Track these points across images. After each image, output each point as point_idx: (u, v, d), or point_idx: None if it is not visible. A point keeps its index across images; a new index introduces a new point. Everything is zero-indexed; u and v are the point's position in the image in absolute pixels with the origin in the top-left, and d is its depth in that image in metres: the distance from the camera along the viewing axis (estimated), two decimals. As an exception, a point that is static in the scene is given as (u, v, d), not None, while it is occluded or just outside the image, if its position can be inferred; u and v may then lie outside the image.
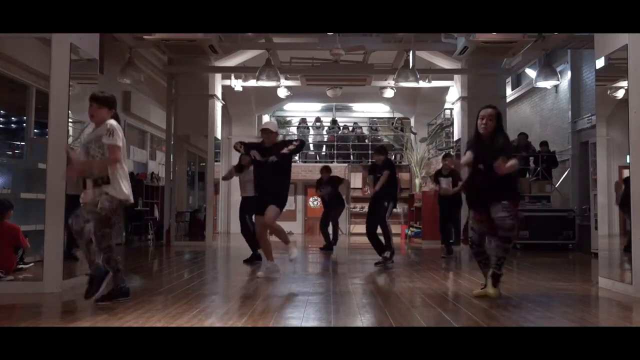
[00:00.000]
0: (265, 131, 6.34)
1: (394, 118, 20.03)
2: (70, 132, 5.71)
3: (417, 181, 16.65)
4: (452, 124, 14.16)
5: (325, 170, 10.76)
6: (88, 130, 4.62)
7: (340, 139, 19.30)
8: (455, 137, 12.97)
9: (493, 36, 9.34)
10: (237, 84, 13.53)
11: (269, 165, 6.15)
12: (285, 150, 6.14)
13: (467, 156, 5.10)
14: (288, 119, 21.19)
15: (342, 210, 11.13)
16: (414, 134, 18.48)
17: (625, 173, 5.98)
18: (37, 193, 6.04)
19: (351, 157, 18.93)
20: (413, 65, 11.37)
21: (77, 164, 4.42)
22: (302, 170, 17.40)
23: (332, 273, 7.26)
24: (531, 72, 13.10)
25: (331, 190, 10.62)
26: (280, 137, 19.55)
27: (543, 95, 13.79)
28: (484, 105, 5.21)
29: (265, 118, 20.15)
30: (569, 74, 12.19)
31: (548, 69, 10.61)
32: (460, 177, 8.43)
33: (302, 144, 6.38)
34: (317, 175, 11.15)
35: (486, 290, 5.01)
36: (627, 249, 6.36)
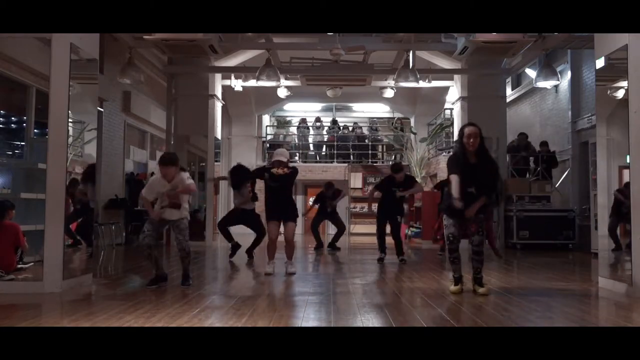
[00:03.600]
0: (275, 163, 6.80)
1: (394, 118, 20.03)
2: (70, 132, 5.70)
3: (417, 181, 16.66)
4: (452, 124, 14.16)
5: (331, 186, 11.01)
6: (158, 177, 5.74)
7: (340, 139, 19.28)
8: (455, 137, 12.95)
9: (493, 36, 9.33)
10: (237, 84, 13.52)
11: (280, 189, 6.81)
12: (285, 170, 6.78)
13: (455, 182, 5.05)
14: (288, 119, 21.19)
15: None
16: (414, 134, 18.48)
17: (625, 174, 5.98)
18: (37, 193, 6.04)
19: (351, 157, 18.92)
20: (413, 65, 11.36)
21: (180, 191, 5.62)
22: (302, 170, 17.32)
23: (332, 273, 7.26)
24: (531, 72, 13.10)
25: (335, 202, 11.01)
26: (281, 137, 19.76)
27: (543, 95, 13.78)
28: (466, 122, 5.52)
29: (265, 118, 20.15)
30: (569, 74, 12.18)
31: (548, 69, 10.61)
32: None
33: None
34: (318, 176, 11.23)
35: (477, 292, 5.28)
36: (615, 249, 6.44)
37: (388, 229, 8.48)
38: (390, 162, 18.90)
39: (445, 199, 5.39)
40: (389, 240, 8.45)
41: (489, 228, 5.36)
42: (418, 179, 16.53)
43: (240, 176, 8.67)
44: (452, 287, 5.42)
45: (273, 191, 6.87)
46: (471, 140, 5.09)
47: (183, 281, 5.78)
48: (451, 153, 5.29)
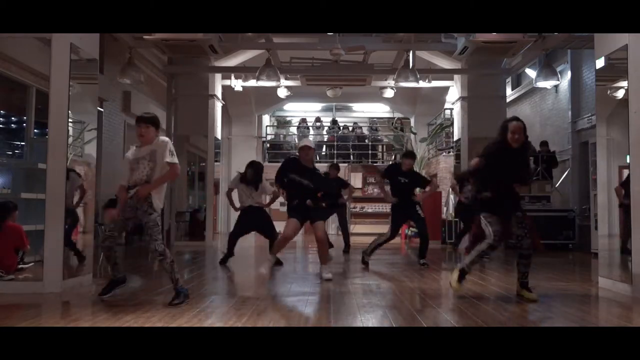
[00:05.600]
0: (304, 149, 6.31)
1: (394, 118, 20.03)
2: (70, 132, 5.70)
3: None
4: (452, 124, 14.16)
5: (335, 167, 10.63)
6: (133, 148, 4.92)
7: (340, 139, 19.28)
8: (455, 137, 12.97)
9: (493, 36, 9.33)
10: (237, 84, 13.52)
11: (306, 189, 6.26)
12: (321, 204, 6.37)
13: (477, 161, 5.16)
14: (288, 119, 21.19)
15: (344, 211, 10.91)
16: (414, 134, 18.47)
17: (625, 174, 5.98)
18: (37, 193, 6.04)
19: (351, 157, 18.92)
20: (413, 65, 11.36)
21: (151, 185, 4.71)
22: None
23: (332, 273, 7.25)
24: (531, 72, 13.09)
25: (340, 187, 10.49)
26: (281, 137, 19.71)
27: (543, 95, 13.78)
28: (509, 118, 5.27)
29: (265, 118, 20.16)
30: (569, 74, 12.18)
31: (548, 69, 10.60)
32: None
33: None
34: None
35: (527, 297, 5.03)
36: (623, 250, 6.40)
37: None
38: (391, 162, 18.85)
39: (474, 196, 5.32)
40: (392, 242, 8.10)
41: (531, 225, 5.28)
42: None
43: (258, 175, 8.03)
44: (455, 284, 5.13)
45: (297, 187, 6.25)
46: (516, 136, 5.01)
47: (173, 299, 4.64)
48: (492, 142, 5.16)
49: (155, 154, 4.73)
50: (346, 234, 10.64)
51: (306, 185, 6.22)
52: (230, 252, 8.02)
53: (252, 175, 7.99)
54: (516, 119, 5.14)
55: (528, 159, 5.39)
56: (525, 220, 5.14)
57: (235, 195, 8.20)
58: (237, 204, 8.13)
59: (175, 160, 4.79)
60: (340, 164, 18.19)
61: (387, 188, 8.22)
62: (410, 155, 8.21)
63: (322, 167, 12.09)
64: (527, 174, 5.41)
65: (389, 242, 8.01)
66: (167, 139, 4.87)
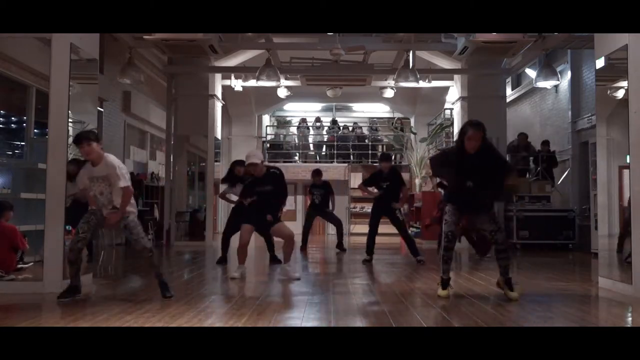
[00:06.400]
0: (252, 165, 6.36)
1: (394, 118, 20.01)
2: (70, 132, 5.70)
3: (417, 181, 16.66)
4: (452, 124, 14.16)
5: (317, 174, 10.58)
6: (87, 165, 4.94)
7: (340, 139, 19.27)
8: (455, 137, 12.96)
9: (493, 36, 9.32)
10: (237, 84, 13.52)
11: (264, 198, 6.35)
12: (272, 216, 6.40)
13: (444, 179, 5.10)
14: (288, 119, 21.18)
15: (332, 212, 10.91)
16: (414, 134, 18.46)
17: (625, 174, 5.99)
18: (37, 193, 6.04)
19: (351, 157, 18.91)
20: (413, 65, 11.35)
21: (121, 211, 4.86)
22: (302, 170, 17.39)
23: (332, 273, 7.26)
24: (531, 72, 13.09)
25: (324, 193, 10.50)
26: (281, 137, 19.65)
27: (543, 95, 13.78)
28: (470, 120, 5.14)
29: (265, 118, 20.15)
30: (569, 74, 12.17)
31: (548, 69, 10.60)
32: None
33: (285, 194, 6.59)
34: None
35: (507, 295, 5.00)
36: (619, 250, 6.40)
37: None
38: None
39: (450, 189, 5.25)
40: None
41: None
42: (418, 179, 16.56)
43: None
44: (441, 292, 5.13)
45: (262, 197, 6.41)
46: (472, 143, 4.85)
47: (163, 292, 4.92)
48: (440, 151, 5.03)
49: (108, 178, 4.85)
50: (339, 232, 10.71)
51: (268, 190, 6.32)
52: (224, 256, 7.97)
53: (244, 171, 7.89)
54: (475, 125, 4.91)
55: (495, 167, 4.98)
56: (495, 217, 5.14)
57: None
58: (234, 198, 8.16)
59: (127, 183, 4.88)
60: (340, 164, 18.36)
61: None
62: (386, 157, 8.64)
63: (322, 167, 12.11)
64: (494, 183, 5.04)
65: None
66: (115, 161, 4.91)
